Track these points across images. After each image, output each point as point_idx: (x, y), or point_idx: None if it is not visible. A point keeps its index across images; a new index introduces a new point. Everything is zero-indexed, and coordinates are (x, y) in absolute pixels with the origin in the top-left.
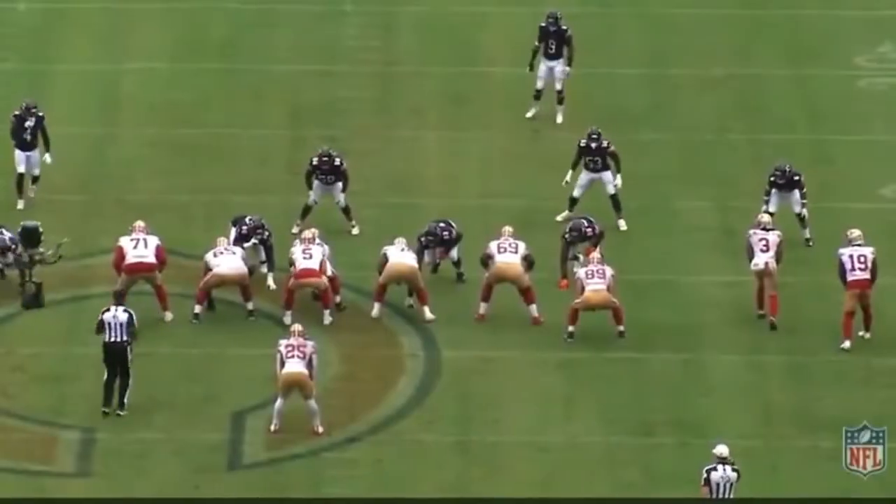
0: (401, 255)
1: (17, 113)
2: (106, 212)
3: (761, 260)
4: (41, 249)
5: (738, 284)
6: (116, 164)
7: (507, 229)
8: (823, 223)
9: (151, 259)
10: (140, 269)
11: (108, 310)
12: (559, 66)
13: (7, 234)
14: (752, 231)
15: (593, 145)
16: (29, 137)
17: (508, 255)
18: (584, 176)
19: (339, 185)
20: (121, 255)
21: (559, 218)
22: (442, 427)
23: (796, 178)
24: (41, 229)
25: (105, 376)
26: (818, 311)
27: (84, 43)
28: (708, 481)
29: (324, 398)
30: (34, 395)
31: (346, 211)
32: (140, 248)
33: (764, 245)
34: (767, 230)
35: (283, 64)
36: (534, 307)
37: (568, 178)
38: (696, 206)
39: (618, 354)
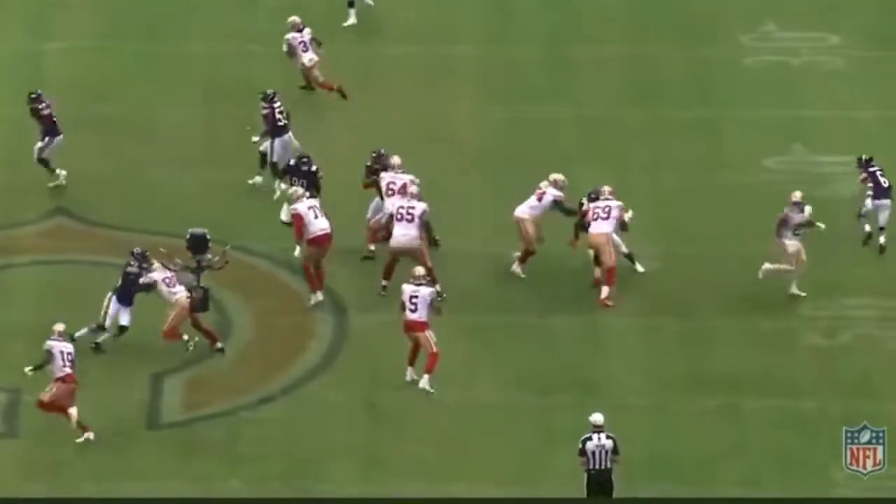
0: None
1: None
2: (29, 186)
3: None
4: (209, 255)
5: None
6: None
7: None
8: (714, 194)
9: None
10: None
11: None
12: None
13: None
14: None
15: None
16: None
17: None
18: None
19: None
20: (301, 222)
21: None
22: (350, 388)
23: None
24: (209, 236)
25: None
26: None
27: (9, 24)
28: (584, 451)
29: (238, 362)
30: None
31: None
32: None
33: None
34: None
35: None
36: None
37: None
38: (594, 179)
39: (519, 318)
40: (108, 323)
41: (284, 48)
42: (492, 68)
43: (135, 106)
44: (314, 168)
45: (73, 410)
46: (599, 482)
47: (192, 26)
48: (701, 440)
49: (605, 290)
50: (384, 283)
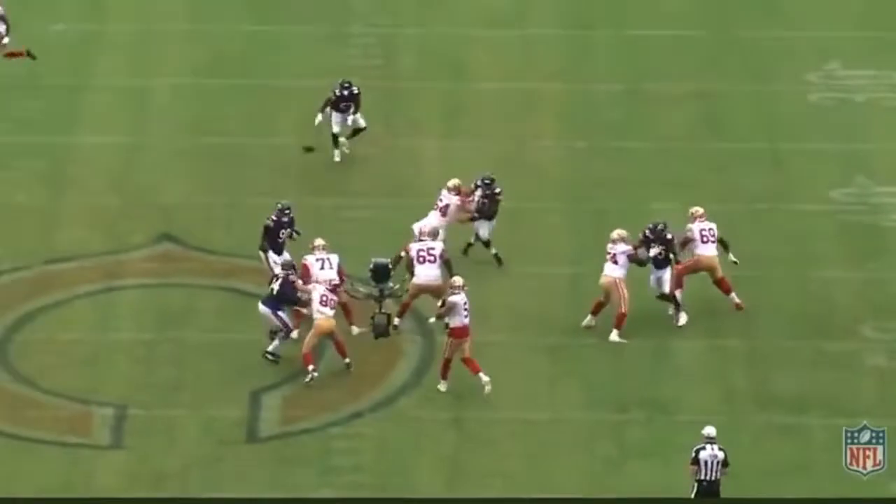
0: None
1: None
2: (136, 213)
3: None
4: (391, 284)
5: (696, 277)
6: (146, 169)
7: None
8: (780, 223)
9: (335, 277)
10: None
11: None
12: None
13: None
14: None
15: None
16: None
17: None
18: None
19: (355, 110)
20: (307, 273)
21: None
22: (437, 405)
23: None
24: (391, 266)
25: None
26: (771, 301)
27: (118, 61)
28: (697, 460)
29: (330, 379)
30: (72, 377)
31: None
32: (326, 268)
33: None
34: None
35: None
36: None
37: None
38: (668, 207)
39: (595, 340)
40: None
41: None
42: (573, 103)
43: (233, 137)
44: (497, 190)
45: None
46: (710, 492)
47: (284, 62)
48: (766, 457)
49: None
50: (397, 321)
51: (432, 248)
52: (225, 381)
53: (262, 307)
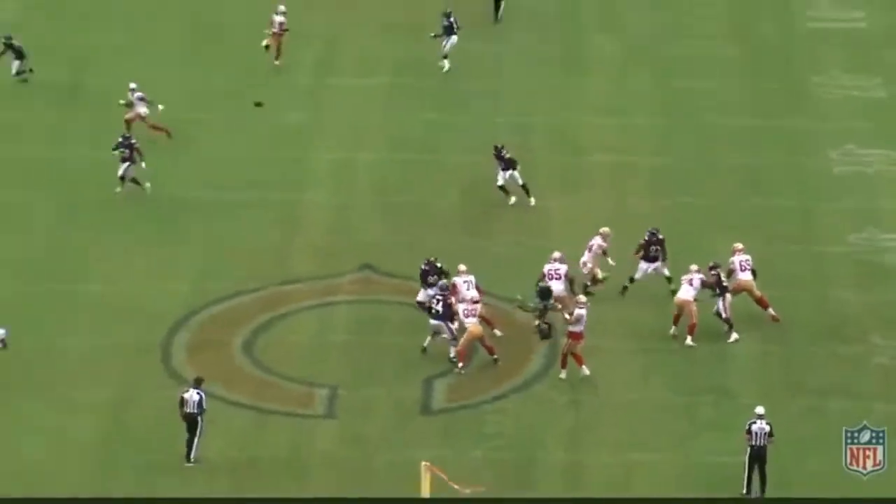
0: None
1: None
2: (344, 249)
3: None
4: (551, 302)
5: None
6: (352, 218)
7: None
8: (810, 260)
9: (476, 294)
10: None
11: None
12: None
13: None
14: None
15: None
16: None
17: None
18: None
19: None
20: (455, 291)
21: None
22: (561, 389)
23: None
24: (552, 289)
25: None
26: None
27: (330, 140)
28: (749, 431)
29: (481, 370)
30: (299, 366)
31: (524, 187)
32: (470, 288)
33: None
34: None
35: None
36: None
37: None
38: (722, 247)
39: (676, 345)
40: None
41: None
42: (659, 172)
43: (417, 197)
44: (661, 237)
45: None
46: (758, 455)
47: (450, 140)
48: (798, 429)
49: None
50: (538, 322)
51: (559, 269)
52: (406, 370)
53: (433, 321)
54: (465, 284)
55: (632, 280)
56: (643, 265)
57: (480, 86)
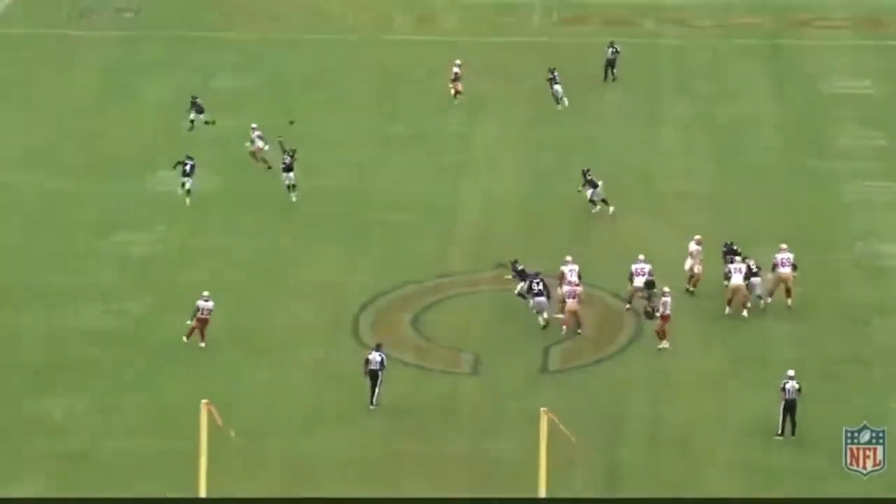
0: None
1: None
2: (482, 252)
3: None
4: (655, 290)
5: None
6: (494, 230)
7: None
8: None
9: (576, 280)
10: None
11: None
12: None
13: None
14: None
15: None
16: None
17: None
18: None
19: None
20: (562, 277)
21: None
22: (644, 355)
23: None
24: (654, 281)
25: None
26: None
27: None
28: (784, 388)
29: (587, 341)
30: (451, 336)
31: (605, 201)
32: (573, 276)
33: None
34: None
35: None
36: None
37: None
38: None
39: (731, 321)
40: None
41: None
42: (713, 199)
43: (539, 216)
44: (735, 248)
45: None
46: (790, 407)
47: (567, 174)
48: (821, 389)
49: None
50: (628, 306)
51: (644, 267)
52: (530, 341)
53: (537, 299)
54: (570, 272)
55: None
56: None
57: (583, 132)
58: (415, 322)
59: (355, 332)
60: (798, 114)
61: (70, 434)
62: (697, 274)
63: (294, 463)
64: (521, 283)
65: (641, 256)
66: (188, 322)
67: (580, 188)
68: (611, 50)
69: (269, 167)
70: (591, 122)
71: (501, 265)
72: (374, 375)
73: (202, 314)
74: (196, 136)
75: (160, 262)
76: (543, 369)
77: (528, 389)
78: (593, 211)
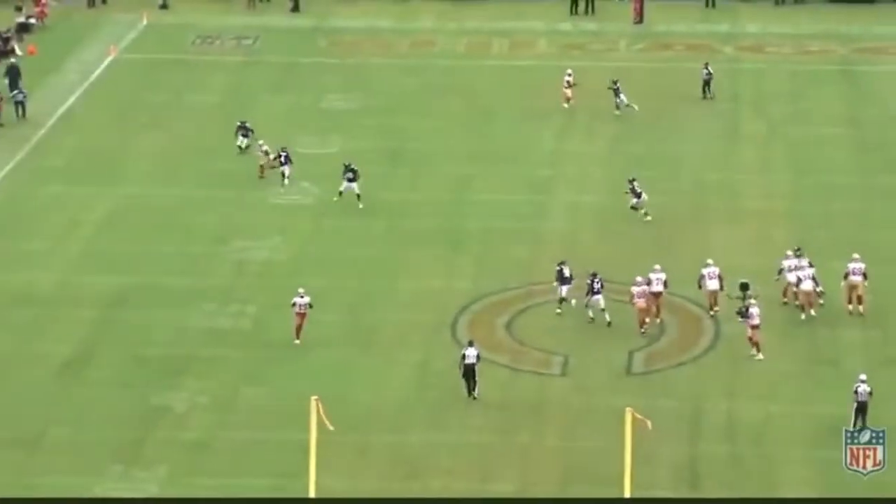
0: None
1: None
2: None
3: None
4: (749, 292)
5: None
6: (584, 240)
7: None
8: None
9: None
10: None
11: None
12: None
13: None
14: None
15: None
16: None
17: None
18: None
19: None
20: (648, 283)
21: None
22: (727, 357)
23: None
24: (748, 283)
25: None
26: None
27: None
28: (856, 391)
29: (670, 345)
30: (541, 339)
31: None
32: (660, 284)
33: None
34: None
35: None
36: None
37: None
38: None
39: (808, 327)
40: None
41: None
42: (790, 213)
43: (624, 226)
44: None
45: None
46: (862, 408)
47: (651, 188)
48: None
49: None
50: (713, 312)
51: (714, 271)
52: (616, 344)
53: (594, 297)
54: (657, 281)
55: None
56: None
57: (666, 149)
58: (508, 326)
59: (454, 334)
60: (870, 134)
61: (191, 425)
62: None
63: (398, 455)
64: (563, 287)
65: (710, 261)
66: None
67: (633, 202)
68: (705, 71)
69: (262, 174)
70: (673, 139)
71: (591, 274)
72: (471, 370)
73: (299, 309)
74: (308, 151)
75: (275, 268)
76: (628, 371)
77: (614, 390)
78: (646, 220)
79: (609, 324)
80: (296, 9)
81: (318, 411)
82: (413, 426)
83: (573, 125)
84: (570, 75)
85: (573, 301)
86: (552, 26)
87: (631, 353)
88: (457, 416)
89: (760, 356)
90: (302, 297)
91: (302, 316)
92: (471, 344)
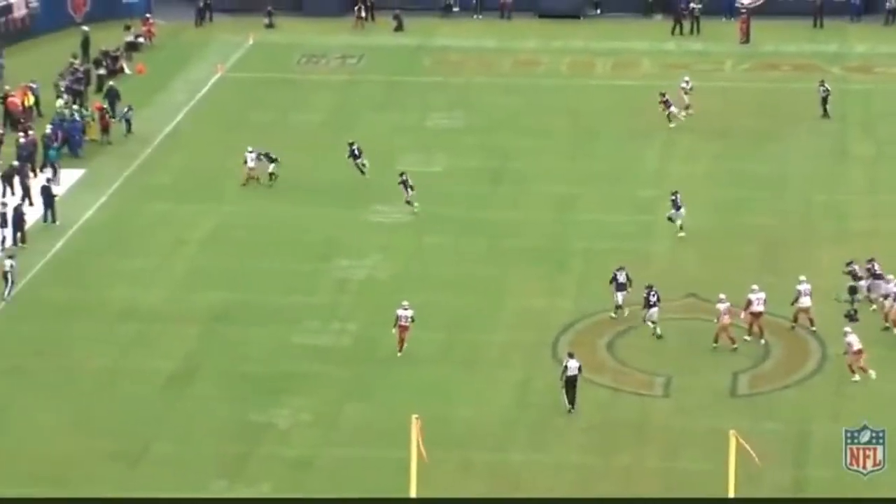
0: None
1: None
2: (674, 284)
3: None
4: (857, 296)
5: None
6: (688, 263)
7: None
8: None
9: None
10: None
11: None
12: None
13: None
14: None
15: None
16: None
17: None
18: None
19: None
20: (748, 303)
21: None
22: (828, 381)
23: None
24: (857, 286)
25: None
26: None
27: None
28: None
29: (775, 367)
30: (643, 360)
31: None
32: (760, 304)
33: None
34: None
35: None
36: None
37: None
38: None
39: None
40: None
41: None
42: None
43: (726, 247)
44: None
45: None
46: None
47: (756, 208)
48: None
49: None
50: (793, 324)
51: (808, 288)
52: (720, 365)
53: (651, 310)
54: (757, 301)
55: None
56: None
57: (772, 168)
58: (610, 346)
59: (555, 354)
60: None
61: (293, 442)
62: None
63: (498, 474)
64: (619, 294)
65: (803, 277)
66: (392, 331)
67: (673, 214)
68: (822, 88)
69: (259, 179)
70: (779, 159)
71: (692, 295)
72: (572, 382)
73: (402, 322)
74: (412, 169)
75: (376, 286)
76: (732, 393)
77: (717, 411)
78: (679, 235)
79: (660, 336)
80: (399, 28)
81: (416, 436)
82: (514, 445)
83: (677, 145)
84: (687, 82)
85: (626, 311)
86: (656, 46)
87: (735, 375)
88: (558, 435)
89: (856, 378)
90: (405, 309)
91: (404, 329)
92: (571, 356)
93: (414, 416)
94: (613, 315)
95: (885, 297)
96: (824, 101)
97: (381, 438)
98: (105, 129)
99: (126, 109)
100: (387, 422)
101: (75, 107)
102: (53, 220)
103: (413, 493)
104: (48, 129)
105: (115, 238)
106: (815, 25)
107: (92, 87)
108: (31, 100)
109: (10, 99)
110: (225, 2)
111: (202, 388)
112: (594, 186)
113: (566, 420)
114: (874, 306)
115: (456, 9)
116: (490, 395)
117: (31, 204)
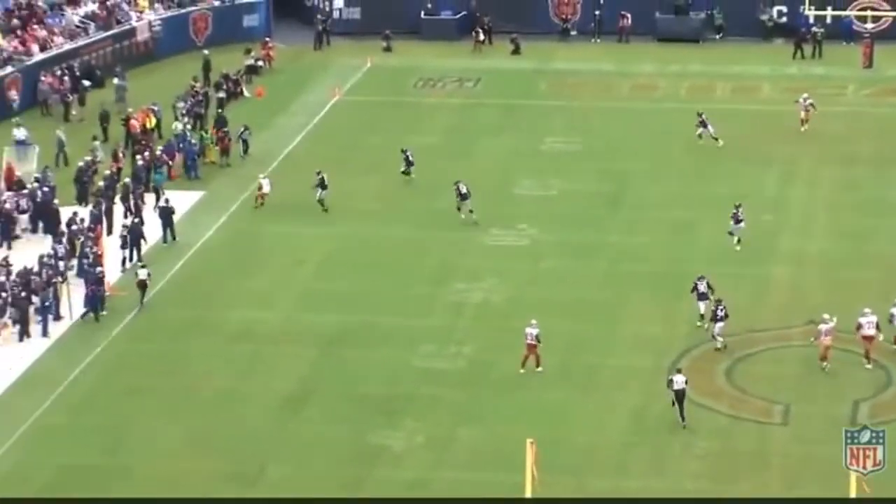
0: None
1: None
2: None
3: None
4: None
5: None
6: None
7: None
8: None
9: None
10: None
11: None
12: None
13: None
14: None
15: None
16: None
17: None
18: None
19: None
20: (858, 325)
21: None
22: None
23: None
24: None
25: None
26: None
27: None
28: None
29: (893, 400)
30: (763, 388)
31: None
32: (871, 328)
33: None
34: None
35: None
36: None
37: None
38: None
39: None
40: None
41: None
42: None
43: (849, 272)
44: None
45: None
46: None
47: (881, 236)
48: None
49: None
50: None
51: (872, 320)
52: (840, 393)
53: (719, 324)
54: (868, 325)
55: None
56: None
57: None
58: (728, 373)
59: (671, 380)
60: None
61: (408, 465)
62: None
63: (614, 498)
64: (701, 303)
65: (868, 309)
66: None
67: (733, 228)
68: None
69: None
70: None
71: (812, 322)
72: (681, 395)
73: (530, 339)
74: (527, 193)
75: (492, 309)
76: (853, 422)
77: (838, 440)
78: (736, 248)
79: (725, 347)
80: (517, 51)
81: (531, 460)
82: (630, 471)
83: (796, 170)
84: (805, 98)
85: (707, 325)
86: (777, 70)
87: (856, 403)
88: (674, 462)
89: None
90: (533, 327)
91: (532, 347)
92: (678, 371)
93: (529, 440)
94: (699, 324)
95: None
96: None
97: (495, 462)
98: (225, 151)
99: (242, 129)
100: (501, 445)
101: (189, 129)
102: (174, 238)
103: None
104: (158, 150)
105: (234, 259)
106: None
107: (211, 110)
108: (152, 122)
109: (131, 121)
110: (344, 25)
111: (317, 410)
112: (713, 211)
113: (683, 446)
114: None
115: (574, 32)
116: (606, 420)
117: (142, 224)
